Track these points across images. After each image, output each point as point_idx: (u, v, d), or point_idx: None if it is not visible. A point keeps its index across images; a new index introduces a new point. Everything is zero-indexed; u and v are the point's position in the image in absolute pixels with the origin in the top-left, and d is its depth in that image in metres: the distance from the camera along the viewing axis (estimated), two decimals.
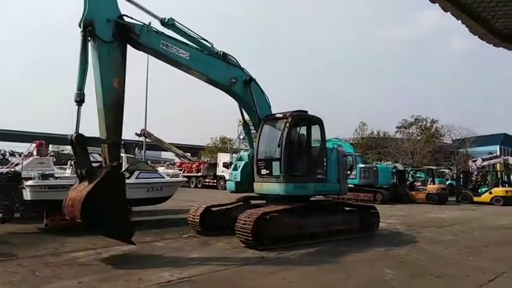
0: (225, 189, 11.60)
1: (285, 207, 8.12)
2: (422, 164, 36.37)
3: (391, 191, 21.20)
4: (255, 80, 9.14)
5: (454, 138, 46.79)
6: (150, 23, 7.50)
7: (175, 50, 7.80)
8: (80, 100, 6.62)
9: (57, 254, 7.05)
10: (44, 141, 18.15)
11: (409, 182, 24.05)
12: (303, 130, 8.98)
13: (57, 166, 21.25)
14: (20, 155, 18.77)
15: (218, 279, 5.63)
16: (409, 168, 26.66)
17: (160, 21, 8.09)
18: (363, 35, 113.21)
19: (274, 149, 8.48)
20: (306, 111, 9.10)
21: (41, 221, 9.75)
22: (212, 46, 8.70)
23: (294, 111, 8.79)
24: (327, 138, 9.40)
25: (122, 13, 7.13)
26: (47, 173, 10.54)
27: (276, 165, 8.36)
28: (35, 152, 16.52)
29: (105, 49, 6.71)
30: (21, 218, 10.57)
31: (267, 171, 8.57)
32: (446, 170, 34.40)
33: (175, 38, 8.05)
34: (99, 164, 7.12)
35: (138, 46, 7.45)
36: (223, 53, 8.82)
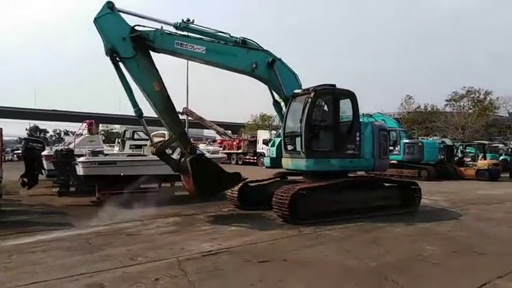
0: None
1: (321, 184, 8.10)
2: (474, 138, 34.30)
3: (438, 167, 20.32)
4: (279, 59, 9.04)
5: (510, 111, 43.45)
6: (162, 27, 7.94)
7: (191, 47, 8.08)
8: (139, 115, 7.88)
9: (108, 225, 7.62)
10: (94, 121, 19.30)
11: (458, 158, 22.87)
12: (329, 104, 8.75)
13: (107, 144, 22.65)
14: (74, 134, 20.11)
15: (256, 250, 5.80)
16: (459, 143, 25.25)
17: (173, 26, 8.22)
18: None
19: (297, 125, 8.42)
20: (334, 85, 8.84)
21: (93, 195, 10.52)
22: (230, 36, 8.67)
23: (318, 85, 8.61)
24: (371, 113, 9.13)
25: (132, 25, 7.62)
26: (96, 150, 11.28)
27: (298, 141, 8.36)
28: (86, 131, 17.67)
29: (134, 64, 7.50)
30: (76, 191, 11.46)
31: (292, 147, 8.62)
32: (501, 145, 32.16)
33: (189, 35, 8.23)
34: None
35: (155, 50, 7.91)
36: (243, 39, 8.72)
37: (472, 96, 43.18)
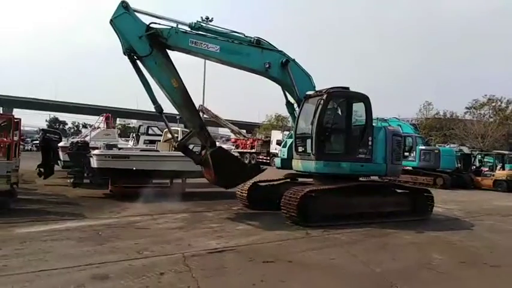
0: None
1: (330, 187, 8.04)
2: (494, 148, 33.37)
3: (454, 175, 19.87)
4: (293, 60, 9.04)
5: None
6: (177, 25, 8.02)
7: (205, 46, 8.18)
8: (159, 111, 8.05)
9: (118, 218, 7.78)
10: (110, 115, 19.65)
11: (475, 167, 22.33)
12: (342, 107, 8.68)
13: (123, 138, 23.03)
14: (91, 127, 20.52)
15: (261, 250, 5.82)
16: (477, 152, 24.64)
17: (188, 26, 8.31)
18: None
19: (309, 127, 8.39)
20: (347, 88, 8.78)
21: (106, 187, 10.73)
22: (244, 36, 8.71)
23: (331, 87, 8.55)
24: (385, 118, 9.01)
25: (148, 23, 7.73)
26: (111, 143, 11.50)
27: (308, 143, 8.34)
28: (102, 125, 18.03)
29: (151, 61, 7.67)
30: (89, 183, 11.69)
31: (303, 149, 8.59)
32: None
33: (205, 34, 8.31)
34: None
35: (169, 47, 8.02)
36: (257, 39, 8.73)
37: (493, 104, 42.07)
